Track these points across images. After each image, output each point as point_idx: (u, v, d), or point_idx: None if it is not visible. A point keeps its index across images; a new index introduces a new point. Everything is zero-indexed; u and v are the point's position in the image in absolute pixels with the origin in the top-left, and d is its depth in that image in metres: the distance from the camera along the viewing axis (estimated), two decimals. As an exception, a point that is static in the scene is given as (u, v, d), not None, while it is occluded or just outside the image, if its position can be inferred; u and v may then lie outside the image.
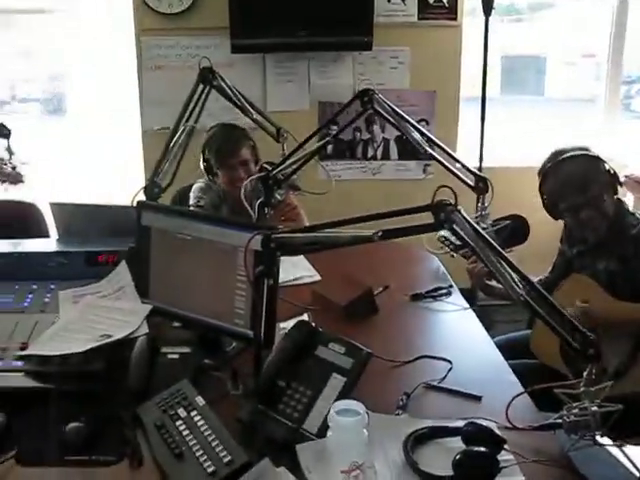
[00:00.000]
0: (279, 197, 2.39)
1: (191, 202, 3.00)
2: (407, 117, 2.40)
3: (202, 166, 2.94)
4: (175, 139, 2.40)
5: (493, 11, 3.85)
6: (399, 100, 4.16)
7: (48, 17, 4.40)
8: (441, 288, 2.55)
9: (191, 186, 3.07)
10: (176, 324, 2.12)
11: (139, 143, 4.09)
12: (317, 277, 2.59)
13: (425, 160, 4.35)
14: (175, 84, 3.92)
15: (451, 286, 2.59)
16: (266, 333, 1.75)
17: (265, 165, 2.50)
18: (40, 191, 2.96)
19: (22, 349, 1.92)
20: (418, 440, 1.62)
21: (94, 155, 4.30)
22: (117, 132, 4.24)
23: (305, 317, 2.19)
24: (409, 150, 4.31)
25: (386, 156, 4.48)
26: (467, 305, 2.46)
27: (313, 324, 1.81)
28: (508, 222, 2.36)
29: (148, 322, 1.95)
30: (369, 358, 1.74)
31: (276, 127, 2.66)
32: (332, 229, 1.65)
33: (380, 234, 1.54)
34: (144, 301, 2.05)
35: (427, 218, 1.50)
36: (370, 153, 4.47)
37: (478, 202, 2.31)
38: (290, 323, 1.94)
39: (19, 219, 3.21)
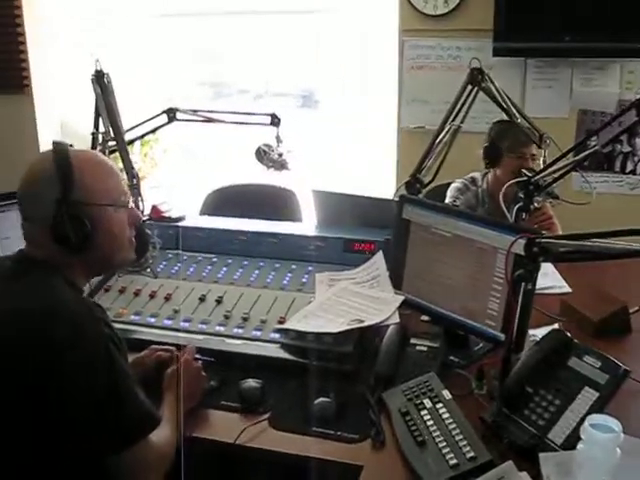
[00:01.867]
0: (536, 204, 2.35)
1: (447, 201, 3.03)
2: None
3: (481, 153, 2.94)
4: (440, 137, 2.45)
5: None
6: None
7: (307, 17, 4.64)
8: None
9: (446, 185, 3.10)
10: (424, 318, 2.17)
11: (394, 140, 4.20)
12: (567, 288, 2.53)
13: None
14: (434, 85, 4.00)
15: None
16: (518, 337, 1.75)
17: (524, 171, 2.47)
18: (298, 179, 3.12)
19: (280, 323, 2.07)
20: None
21: (348, 148, 4.47)
22: (373, 128, 4.37)
23: (556, 326, 2.11)
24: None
25: (648, 171, 4.25)
26: None
27: (568, 334, 1.77)
28: None
29: (399, 313, 2.02)
30: (626, 376, 1.67)
31: (539, 132, 2.64)
32: (597, 239, 1.60)
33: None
34: (397, 292, 2.13)
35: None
36: (629, 167, 4.25)
37: None
38: (539, 331, 1.92)
39: (276, 203, 3.44)
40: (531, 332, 1.95)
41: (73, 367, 1.38)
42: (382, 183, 4.18)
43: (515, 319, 1.72)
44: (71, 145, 1.59)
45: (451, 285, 2.01)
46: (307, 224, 2.75)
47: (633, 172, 4.26)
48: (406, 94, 4.16)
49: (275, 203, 3.39)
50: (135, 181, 2.35)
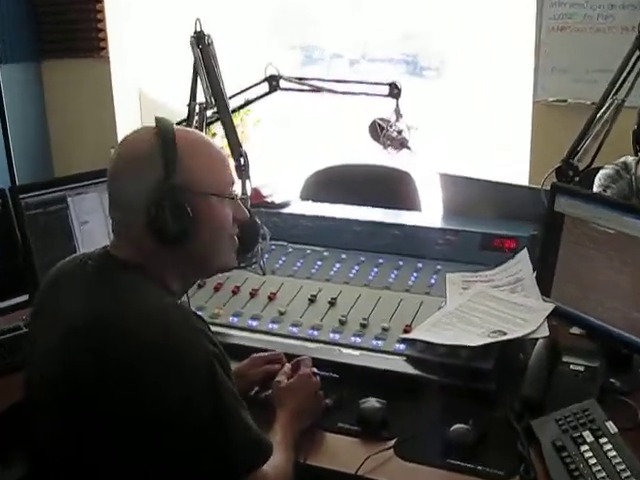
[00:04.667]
0: None
1: (595, 189, 2.93)
2: None
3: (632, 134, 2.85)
4: (600, 114, 2.37)
5: None
6: None
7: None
8: None
9: (594, 171, 3.00)
10: (575, 330, 2.12)
11: (527, 116, 4.10)
12: None
13: None
14: (580, 49, 3.86)
15: None
16: None
17: None
18: (416, 160, 3.07)
19: (406, 332, 2.04)
20: None
21: (469, 125, 4.41)
22: (504, 102, 4.29)
23: None
24: None
25: None
26: None
27: None
28: None
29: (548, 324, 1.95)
30: None
31: None
32: None
33: None
34: (545, 299, 2.06)
35: None
36: None
37: None
38: None
39: (392, 188, 3.41)
40: None
41: (171, 391, 1.35)
42: (513, 166, 4.09)
43: None
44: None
45: (612, 292, 1.93)
46: (433, 214, 2.71)
47: None
48: (545, 61, 4.04)
49: (390, 188, 3.37)
50: (243, 162, 2.33)
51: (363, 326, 2.08)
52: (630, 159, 3.04)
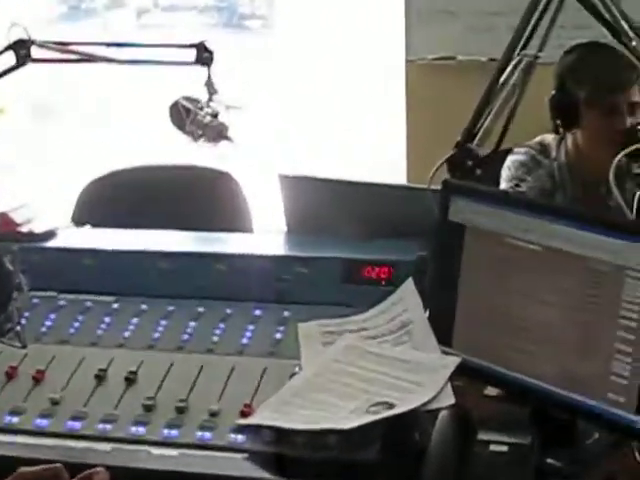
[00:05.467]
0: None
1: (504, 185, 3.00)
2: None
3: (549, 104, 3.00)
4: (505, 76, 2.41)
5: None
6: None
7: None
8: None
9: (502, 156, 3.06)
10: (492, 392, 2.15)
11: (400, 81, 4.16)
12: None
13: None
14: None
15: None
16: None
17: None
18: (242, 154, 3.06)
19: (244, 415, 2.00)
20: None
21: (324, 97, 4.44)
22: (366, 63, 4.34)
23: None
24: None
25: None
26: None
27: None
28: None
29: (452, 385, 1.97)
30: None
31: None
32: None
33: None
34: (446, 350, 2.08)
35: None
36: None
37: None
38: None
39: (206, 197, 3.41)
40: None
41: None
42: (383, 157, 4.13)
43: None
44: None
45: (542, 334, 1.96)
46: (272, 236, 2.73)
47: None
48: (418, 3, 4.12)
49: (206, 198, 3.40)
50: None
51: (180, 411, 2.04)
52: (549, 138, 3.13)
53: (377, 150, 4.26)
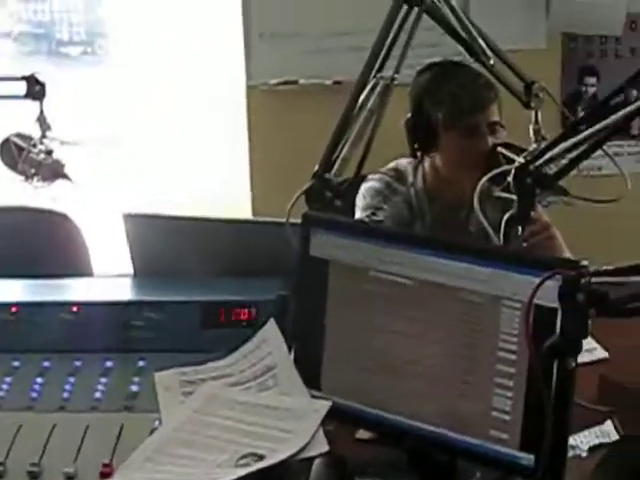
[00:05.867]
0: (541, 208, 2.45)
1: (359, 214, 2.98)
2: None
3: (405, 127, 2.98)
4: (361, 100, 2.37)
5: None
6: None
7: None
8: None
9: (357, 183, 3.02)
10: (364, 435, 2.13)
11: (240, 109, 4.12)
12: (602, 353, 2.59)
13: None
14: (307, 4, 3.90)
15: None
16: (554, 457, 1.72)
17: (502, 150, 2.52)
18: (81, 194, 2.98)
19: (105, 475, 1.93)
20: None
21: (165, 127, 4.40)
22: (206, 89, 4.30)
23: (609, 426, 2.20)
24: None
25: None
26: None
27: None
28: None
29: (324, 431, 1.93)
30: None
31: (526, 81, 2.67)
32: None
33: None
34: (314, 393, 2.04)
35: None
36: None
37: None
38: (583, 436, 2.01)
39: (42, 241, 3.30)
40: (572, 440, 2.01)
41: None
42: (227, 189, 4.08)
43: (549, 424, 1.69)
44: None
45: (418, 373, 1.95)
46: (119, 280, 2.67)
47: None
48: (258, 23, 4.09)
49: (42, 243, 3.29)
50: None
51: (33, 476, 1.94)
52: (404, 163, 3.12)
53: (221, 183, 4.21)
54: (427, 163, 3.12)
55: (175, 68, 4.41)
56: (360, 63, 2.45)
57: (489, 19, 3.53)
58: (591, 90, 4.25)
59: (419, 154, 3.02)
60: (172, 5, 4.41)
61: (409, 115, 2.97)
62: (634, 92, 2.33)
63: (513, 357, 1.81)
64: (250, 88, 4.11)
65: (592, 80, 4.21)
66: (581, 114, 4.16)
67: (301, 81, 3.87)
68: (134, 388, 2.15)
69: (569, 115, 3.52)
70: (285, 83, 3.95)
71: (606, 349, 2.58)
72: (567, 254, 2.96)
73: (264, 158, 3.87)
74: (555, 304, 1.63)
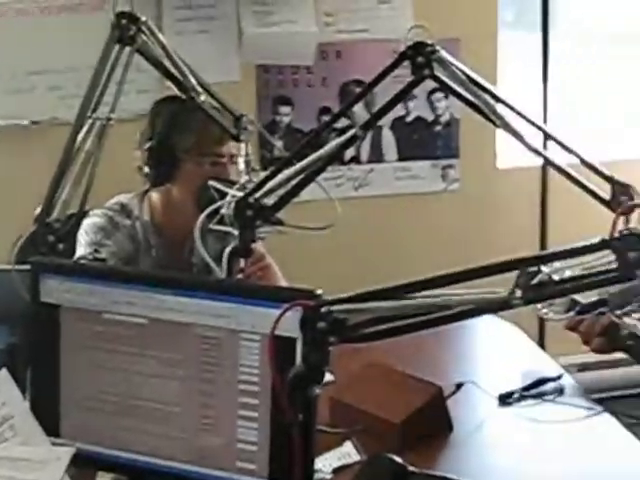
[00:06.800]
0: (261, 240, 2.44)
1: (81, 250, 2.91)
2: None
3: (141, 158, 2.95)
4: (78, 143, 2.35)
5: None
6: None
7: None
8: (546, 381, 2.60)
9: (75, 220, 2.97)
10: (106, 478, 2.09)
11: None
12: (329, 376, 2.54)
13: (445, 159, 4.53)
14: (12, 40, 3.71)
15: (561, 376, 2.64)
16: None
17: (213, 183, 2.60)
18: None
19: None
20: None
21: None
22: None
23: (349, 447, 2.25)
24: (418, 142, 4.47)
25: (377, 156, 4.54)
26: (599, 407, 2.49)
27: (399, 460, 1.82)
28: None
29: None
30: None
31: (235, 115, 2.69)
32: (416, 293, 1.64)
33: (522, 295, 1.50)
34: (55, 441, 2.00)
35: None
36: (350, 153, 4.46)
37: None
38: (324, 459, 2.06)
39: None
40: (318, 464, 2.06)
41: None
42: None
43: (297, 451, 1.70)
44: None
45: (159, 411, 1.95)
46: None
47: (357, 160, 4.50)
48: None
49: None
50: None
51: None
52: (128, 197, 3.08)
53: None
54: (155, 196, 3.09)
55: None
56: (59, 101, 2.42)
57: (182, 53, 3.60)
58: (286, 119, 4.35)
59: (147, 186, 3.03)
60: None
61: (149, 145, 2.94)
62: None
63: (255, 388, 1.83)
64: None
65: (286, 110, 4.30)
66: (279, 143, 4.28)
67: (24, 122, 3.73)
68: None
69: (275, 144, 3.61)
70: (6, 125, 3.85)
71: (331, 372, 2.60)
72: (283, 282, 3.01)
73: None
74: (294, 334, 1.64)
